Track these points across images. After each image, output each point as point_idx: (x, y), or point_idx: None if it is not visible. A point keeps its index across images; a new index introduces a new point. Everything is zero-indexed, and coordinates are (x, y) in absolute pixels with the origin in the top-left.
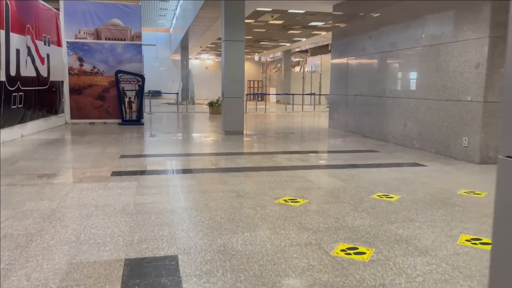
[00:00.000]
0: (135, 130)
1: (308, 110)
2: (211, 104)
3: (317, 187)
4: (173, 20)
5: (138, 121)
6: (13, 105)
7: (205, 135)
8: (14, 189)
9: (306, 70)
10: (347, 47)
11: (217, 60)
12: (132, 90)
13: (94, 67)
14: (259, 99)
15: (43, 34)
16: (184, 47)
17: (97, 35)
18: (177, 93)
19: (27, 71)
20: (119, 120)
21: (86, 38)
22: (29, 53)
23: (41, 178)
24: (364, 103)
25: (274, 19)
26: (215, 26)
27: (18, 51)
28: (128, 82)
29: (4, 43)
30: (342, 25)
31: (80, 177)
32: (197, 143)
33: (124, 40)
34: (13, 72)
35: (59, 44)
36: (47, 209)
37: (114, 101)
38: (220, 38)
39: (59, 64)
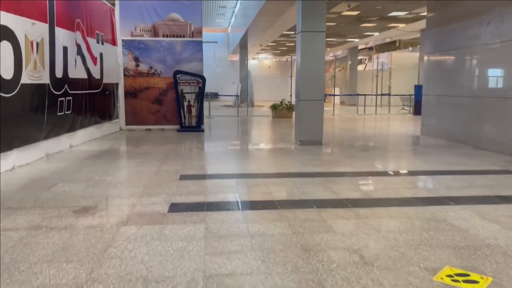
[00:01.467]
0: (195, 139)
1: (382, 113)
2: (274, 107)
3: (483, 243)
4: (231, 18)
5: (198, 127)
6: (59, 112)
7: (276, 146)
8: (35, 236)
9: (373, 68)
10: (449, 37)
11: (275, 60)
12: (191, 93)
13: (150, 67)
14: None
15: (96, 31)
16: (243, 46)
17: (154, 32)
18: (237, 95)
19: (77, 72)
20: (177, 126)
21: (142, 36)
22: (79, 52)
23: (76, 215)
24: (478, 105)
25: (350, 10)
26: (280, 20)
27: (65, 49)
28: (187, 83)
29: (48, 39)
30: (442, 11)
31: (128, 213)
32: (270, 157)
33: (184, 36)
34: (59, 74)
35: (113, 42)
36: (71, 285)
37: (172, 105)
38: (283, 35)
39: (114, 64)
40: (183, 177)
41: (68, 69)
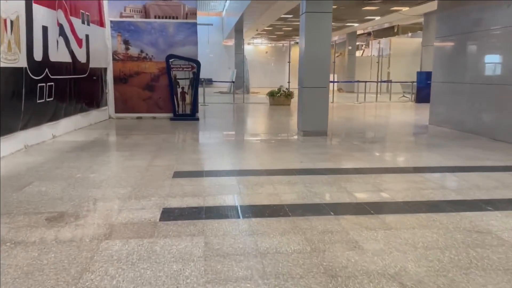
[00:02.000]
0: (189, 128)
1: (383, 100)
2: (271, 94)
3: None
4: (225, 2)
5: (192, 115)
6: (39, 99)
7: (277, 137)
8: None
9: (372, 54)
10: (464, 19)
11: (270, 45)
12: (185, 79)
13: (141, 51)
14: None
15: (81, 11)
16: (238, 31)
17: (145, 13)
18: (233, 82)
19: (59, 55)
20: (171, 115)
21: (132, 17)
22: (62, 33)
23: (50, 225)
24: (495, 93)
25: None
26: (278, 3)
27: (45, 29)
28: (181, 69)
29: (25, 17)
30: None
31: (112, 222)
32: (272, 149)
33: (177, 18)
34: (38, 56)
35: (101, 23)
36: None
37: (165, 92)
38: (281, 19)
39: (102, 47)
40: (177, 174)
41: (49, 52)
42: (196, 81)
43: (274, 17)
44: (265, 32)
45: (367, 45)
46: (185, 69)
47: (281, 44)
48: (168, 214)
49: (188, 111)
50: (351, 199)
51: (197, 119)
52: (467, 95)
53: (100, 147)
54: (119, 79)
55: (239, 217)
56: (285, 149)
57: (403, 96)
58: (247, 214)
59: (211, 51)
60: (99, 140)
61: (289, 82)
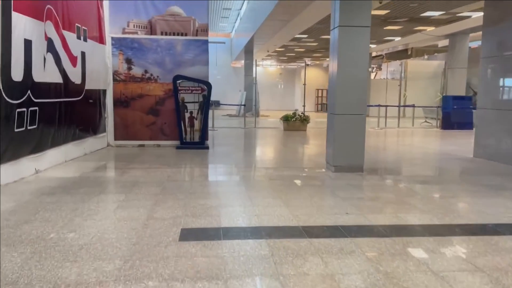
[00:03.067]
0: (198, 159)
1: (405, 126)
2: (286, 119)
3: None
4: (235, 22)
5: (201, 143)
6: (18, 127)
7: (304, 172)
8: None
9: (387, 77)
10: None
11: (279, 66)
12: (194, 102)
13: (145, 71)
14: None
15: (76, 24)
16: (248, 52)
17: (151, 29)
18: (244, 105)
19: (47, 74)
20: (177, 142)
21: (136, 33)
22: (51, 49)
23: None
24: None
25: (380, 8)
26: (294, 22)
27: (28, 43)
28: (189, 91)
29: (0, 27)
30: (509, 4)
31: None
32: (302, 191)
33: (186, 34)
34: (17, 76)
35: (101, 40)
36: None
37: (171, 117)
38: (295, 39)
39: (100, 67)
40: (186, 235)
41: (33, 71)
42: (206, 105)
43: (288, 37)
44: (275, 54)
45: (379, 68)
46: (194, 92)
47: (293, 66)
48: None
49: (196, 139)
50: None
51: (207, 147)
52: None
53: (89, 187)
54: (120, 102)
55: None
56: (318, 191)
57: (425, 121)
58: None
59: (219, 72)
60: (90, 176)
61: (304, 105)
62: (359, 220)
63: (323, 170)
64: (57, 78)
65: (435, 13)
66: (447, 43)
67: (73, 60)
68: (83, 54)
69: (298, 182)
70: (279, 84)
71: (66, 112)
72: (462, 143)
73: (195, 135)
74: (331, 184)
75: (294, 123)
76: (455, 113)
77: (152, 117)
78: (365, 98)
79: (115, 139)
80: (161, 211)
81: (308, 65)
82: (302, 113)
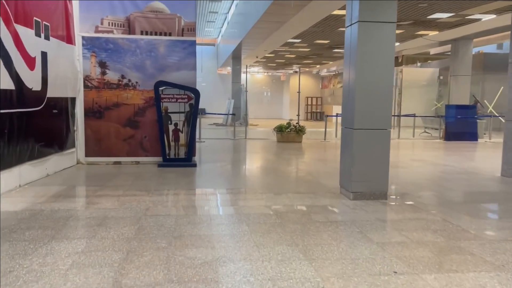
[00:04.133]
0: (185, 181)
1: (406, 137)
2: (280, 129)
3: None
4: (221, 27)
5: (188, 160)
6: None
7: (315, 199)
8: None
9: None
10: None
11: (266, 73)
12: (180, 113)
13: (123, 77)
14: (318, 118)
15: (35, 18)
16: (236, 58)
17: (129, 27)
18: (233, 114)
19: None
20: (159, 159)
21: (112, 32)
22: None
23: None
24: None
25: None
26: (288, 25)
27: None
28: (174, 99)
29: None
30: None
31: None
32: (322, 233)
33: (170, 34)
34: None
35: (68, 39)
36: None
37: (153, 129)
38: (287, 44)
39: (68, 71)
40: None
41: None
42: (193, 116)
43: (279, 41)
44: (264, 60)
45: None
46: (179, 100)
47: (280, 74)
48: None
49: (182, 155)
50: None
51: (194, 165)
52: None
53: (39, 229)
54: (92, 113)
55: None
56: (344, 232)
57: (425, 131)
58: None
59: (204, 79)
60: (45, 210)
61: (298, 115)
62: (415, 285)
63: (338, 196)
64: (7, 84)
65: (444, 15)
66: (440, 50)
67: (29, 61)
68: (44, 54)
69: (314, 217)
70: (265, 92)
71: (20, 126)
72: (479, 157)
73: (180, 151)
74: (355, 219)
75: (289, 134)
76: (459, 123)
77: (130, 130)
78: (390, 109)
79: (87, 155)
80: (133, 273)
81: (296, 72)
82: (297, 123)
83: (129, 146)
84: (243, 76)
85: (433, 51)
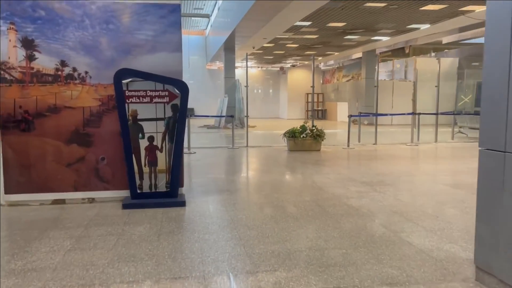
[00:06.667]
0: (169, 248)
1: (442, 140)
2: (292, 135)
3: None
4: (211, 15)
5: (171, 195)
6: None
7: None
8: None
9: (393, 78)
10: None
11: (263, 69)
12: (157, 119)
13: (63, 64)
14: (319, 117)
15: None
16: (229, 49)
17: None
18: (231, 116)
19: None
20: (126, 193)
21: None
22: None
23: None
24: None
25: None
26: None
27: None
28: (147, 99)
29: None
30: None
31: None
32: None
33: None
34: None
35: None
36: None
37: (114, 147)
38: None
39: None
40: None
41: None
42: (179, 124)
43: (284, 25)
44: (261, 51)
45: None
46: (156, 100)
47: (276, 68)
48: None
49: (162, 186)
50: None
51: (182, 203)
52: None
53: None
54: (13, 123)
55: None
56: None
57: (459, 131)
58: None
59: (191, 76)
60: None
61: (313, 115)
62: None
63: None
64: None
65: None
66: (454, 38)
67: None
68: None
69: None
70: (259, 89)
71: None
72: None
73: (158, 180)
74: None
75: (304, 141)
76: None
77: (79, 149)
78: None
79: (7, 191)
80: None
81: (294, 66)
82: (313, 126)
83: (77, 175)
84: (241, 69)
85: (445, 40)
